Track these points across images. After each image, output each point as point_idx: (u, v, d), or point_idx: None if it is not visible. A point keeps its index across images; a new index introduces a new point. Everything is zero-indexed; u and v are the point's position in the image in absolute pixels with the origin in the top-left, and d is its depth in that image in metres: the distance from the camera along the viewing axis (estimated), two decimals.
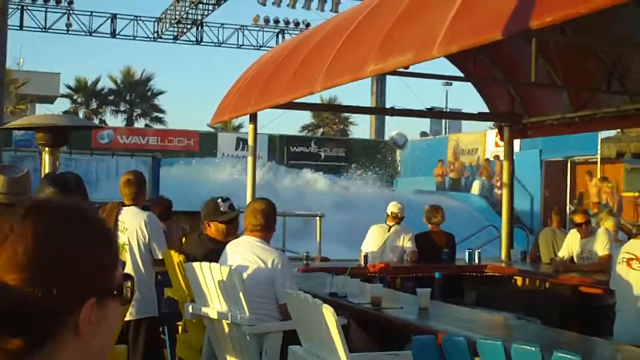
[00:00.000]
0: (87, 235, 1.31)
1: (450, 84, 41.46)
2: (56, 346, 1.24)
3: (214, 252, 5.62)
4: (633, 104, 9.04)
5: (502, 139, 10.86)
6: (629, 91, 9.03)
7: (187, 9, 35.73)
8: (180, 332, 6.34)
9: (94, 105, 50.22)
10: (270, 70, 8.58)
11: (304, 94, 7.44)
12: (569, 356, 2.49)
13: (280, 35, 38.71)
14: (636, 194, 23.16)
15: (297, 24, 38.17)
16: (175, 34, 38.47)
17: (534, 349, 2.59)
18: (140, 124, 49.99)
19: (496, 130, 11.05)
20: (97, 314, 1.28)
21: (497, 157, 27.17)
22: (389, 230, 9.11)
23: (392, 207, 9.29)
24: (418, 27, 5.57)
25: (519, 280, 9.04)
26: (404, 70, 6.97)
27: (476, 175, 29.24)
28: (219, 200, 6.28)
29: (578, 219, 8.54)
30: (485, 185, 28.03)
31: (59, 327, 1.24)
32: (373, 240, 9.09)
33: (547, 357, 2.55)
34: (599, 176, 23.52)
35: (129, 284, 1.38)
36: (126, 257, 6.10)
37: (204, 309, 5.21)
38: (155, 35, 38.40)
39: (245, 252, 5.20)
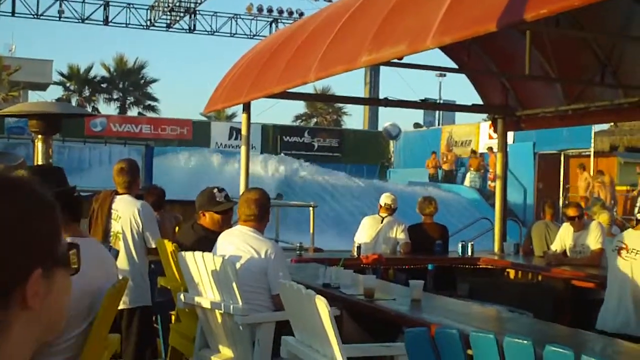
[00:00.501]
0: (21, 205, 1.29)
1: (444, 75, 41.52)
2: (6, 321, 1.23)
3: (206, 242, 5.61)
4: (626, 98, 9.04)
5: (495, 131, 10.86)
6: (623, 84, 9.04)
7: None
8: (173, 321, 6.34)
9: (86, 93, 50.11)
10: (263, 59, 8.55)
11: (298, 83, 7.43)
12: (560, 350, 2.49)
13: (273, 24, 38.67)
14: (629, 188, 23.24)
15: (290, 13, 38.13)
16: (168, 22, 38.39)
17: (526, 342, 2.59)
18: (133, 112, 49.96)
19: (490, 122, 11.05)
20: (44, 285, 1.27)
21: (490, 149, 27.22)
22: (382, 222, 9.12)
23: (385, 199, 9.29)
24: (412, 18, 5.56)
25: (512, 273, 9.06)
26: (398, 61, 6.96)
27: (466, 167, 29.27)
28: (215, 190, 6.27)
29: (571, 212, 8.55)
30: (475, 177, 28.05)
31: (5, 301, 1.22)
32: (366, 232, 9.10)
33: (539, 351, 2.55)
34: (592, 170, 23.57)
35: (75, 252, 1.37)
36: (119, 245, 6.10)
37: (196, 299, 5.20)
38: (148, 23, 38.33)
39: (239, 242, 5.20)
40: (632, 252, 5.62)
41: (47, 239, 1.31)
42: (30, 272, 1.24)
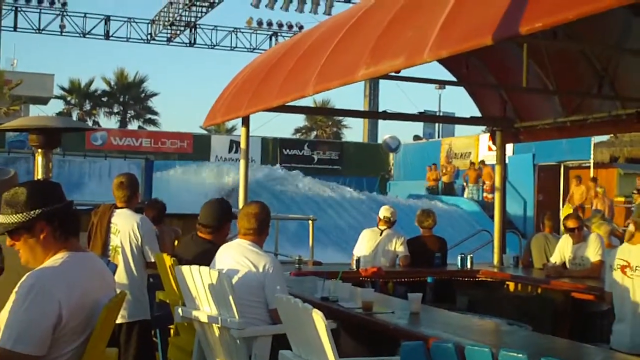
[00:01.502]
0: None
1: (444, 88, 41.53)
2: None
3: (208, 253, 5.61)
4: (624, 109, 9.06)
5: (494, 143, 10.87)
6: (620, 96, 9.05)
7: (180, 11, 35.81)
8: (172, 335, 6.34)
9: (87, 106, 50.21)
10: (262, 73, 8.58)
11: (296, 97, 7.44)
12: None
13: (273, 38, 38.80)
14: (628, 199, 23.21)
15: (290, 26, 38.25)
16: (169, 35, 38.53)
17: (520, 355, 2.60)
18: (133, 125, 50.05)
19: (489, 134, 11.06)
20: None
21: (482, 162, 27.26)
22: (380, 234, 9.12)
23: (384, 211, 9.29)
24: (409, 32, 5.57)
25: (511, 286, 9.04)
26: (396, 74, 6.98)
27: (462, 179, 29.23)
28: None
29: (571, 224, 8.55)
30: (473, 189, 28.04)
31: None
32: (365, 245, 9.09)
33: None
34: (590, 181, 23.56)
35: None
36: (118, 259, 6.11)
37: (194, 313, 5.20)
38: (149, 37, 38.46)
39: (237, 255, 5.20)
40: (637, 269, 5.58)
41: None
42: None
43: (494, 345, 3.26)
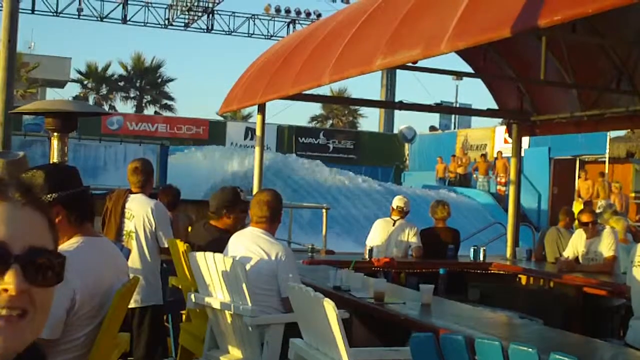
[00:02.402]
0: None
1: (461, 79, 41.39)
2: None
3: (221, 243, 5.63)
4: None
5: (510, 135, 10.83)
6: (639, 91, 9.00)
7: None
8: (184, 320, 6.37)
9: (104, 91, 50.35)
10: (279, 60, 8.57)
11: (312, 86, 7.44)
12: (565, 358, 2.49)
13: (291, 25, 38.74)
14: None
15: (308, 14, 38.19)
16: (186, 21, 38.52)
17: (531, 350, 2.59)
18: (149, 111, 50.17)
19: (505, 126, 11.02)
20: None
21: (499, 153, 27.16)
22: (394, 224, 9.12)
23: (398, 201, 9.29)
24: (427, 23, 5.56)
25: (523, 279, 9.03)
26: (413, 65, 6.96)
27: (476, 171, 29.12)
28: (238, 189, 6.34)
29: (584, 218, 8.52)
30: (483, 181, 27.95)
31: None
32: (378, 235, 9.09)
33: (544, 358, 2.55)
34: (606, 176, 23.45)
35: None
36: (132, 244, 6.14)
37: (206, 299, 5.22)
38: (166, 22, 38.47)
39: (249, 243, 5.21)
40: None
41: None
42: None
43: (504, 339, 3.26)
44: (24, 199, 1.37)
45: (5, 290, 1.28)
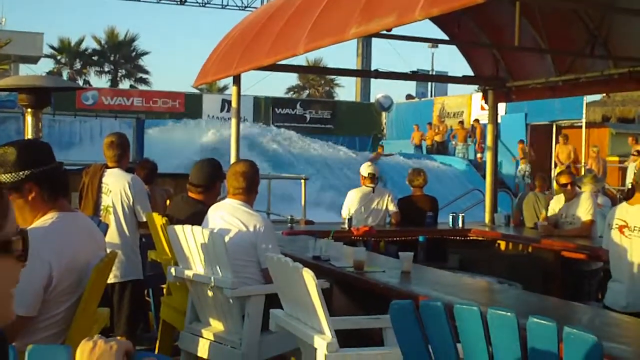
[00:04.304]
0: None
1: (437, 46, 41.35)
2: None
3: (199, 213, 5.61)
4: (616, 69, 9.04)
5: (486, 102, 10.86)
6: (613, 55, 9.04)
7: None
8: (165, 294, 6.37)
9: (78, 65, 49.86)
10: (253, 31, 8.51)
11: (287, 56, 7.40)
12: (543, 321, 2.51)
13: None
14: (620, 159, 23.27)
15: None
16: None
17: (509, 314, 2.61)
18: (125, 85, 49.74)
19: (481, 93, 11.04)
20: None
21: (476, 120, 27.23)
22: (372, 192, 9.13)
23: (367, 169, 9.29)
24: None
25: (502, 245, 9.09)
26: (388, 33, 6.93)
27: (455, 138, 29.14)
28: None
29: (563, 179, 8.57)
30: (462, 148, 28.01)
31: None
32: (355, 204, 9.09)
33: (523, 322, 2.57)
34: (583, 141, 23.60)
35: (19, 238, 1.32)
36: (110, 219, 6.11)
37: (186, 272, 5.21)
38: None
39: (227, 215, 5.20)
40: (634, 229, 5.59)
41: None
42: None
43: (484, 304, 3.28)
44: None
45: None
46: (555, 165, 22.86)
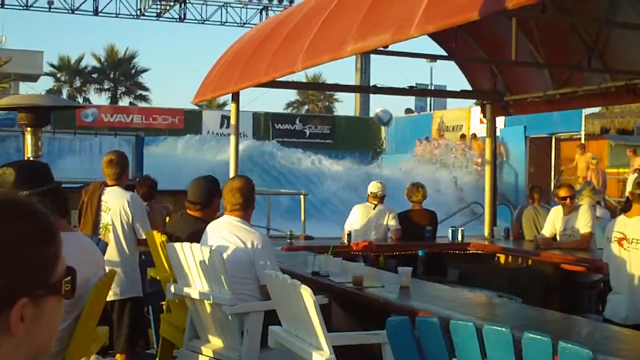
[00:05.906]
0: (15, 231, 1.25)
1: (435, 61, 41.37)
2: None
3: (198, 231, 5.62)
4: (613, 81, 9.08)
5: (485, 116, 10.89)
6: (609, 68, 9.08)
7: None
8: (164, 312, 6.37)
9: (77, 83, 50.01)
10: (252, 48, 8.55)
11: (285, 73, 7.44)
12: (538, 336, 2.53)
13: (264, 12, 38.57)
14: (620, 170, 23.26)
15: (280, 0, 38.02)
16: (158, 11, 38.31)
17: (504, 329, 2.63)
18: (124, 102, 49.87)
19: (480, 107, 11.07)
20: (31, 312, 1.24)
21: (474, 135, 27.19)
22: (374, 209, 9.16)
23: (372, 187, 9.32)
24: (397, 7, 5.56)
25: (502, 258, 9.09)
26: (385, 49, 6.97)
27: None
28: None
29: (562, 192, 8.58)
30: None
31: None
32: (357, 219, 9.13)
33: (519, 336, 2.59)
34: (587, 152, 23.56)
35: (69, 279, 1.33)
36: (109, 237, 6.12)
37: (185, 289, 5.22)
38: (138, 12, 38.18)
39: (225, 232, 5.21)
40: (633, 242, 5.61)
41: (39, 267, 1.27)
42: (14, 301, 1.21)
43: (482, 319, 3.30)
44: None
45: None
46: (556, 177, 22.85)
